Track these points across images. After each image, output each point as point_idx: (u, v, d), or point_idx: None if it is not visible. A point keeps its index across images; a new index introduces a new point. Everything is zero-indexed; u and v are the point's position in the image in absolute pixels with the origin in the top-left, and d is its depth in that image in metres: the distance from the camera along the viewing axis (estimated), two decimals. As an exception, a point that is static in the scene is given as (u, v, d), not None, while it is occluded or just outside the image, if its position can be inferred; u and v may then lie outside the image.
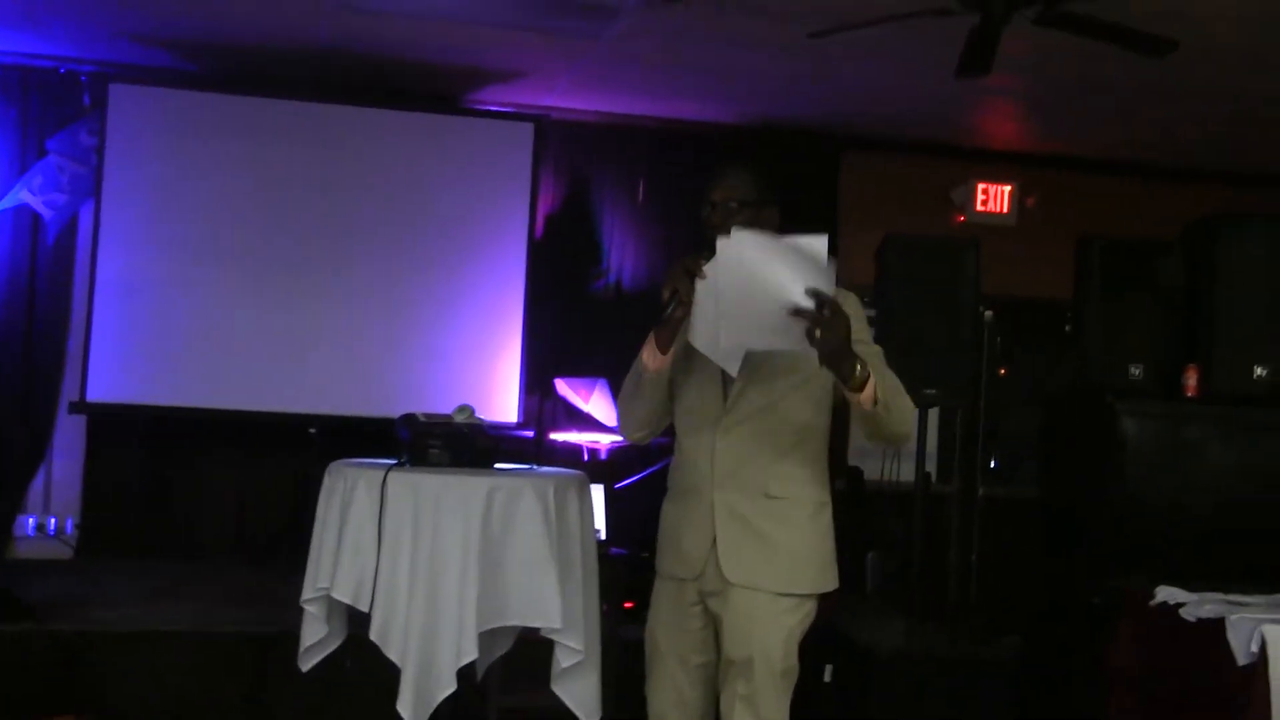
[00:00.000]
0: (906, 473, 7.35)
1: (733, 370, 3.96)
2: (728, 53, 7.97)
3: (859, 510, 8.34)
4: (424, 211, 9.14)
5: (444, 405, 8.48)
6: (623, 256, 9.66)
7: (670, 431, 4.36)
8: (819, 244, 3.64)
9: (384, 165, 9.08)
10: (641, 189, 9.65)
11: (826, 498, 4.22)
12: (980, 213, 9.93)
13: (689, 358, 4.11)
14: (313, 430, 8.72)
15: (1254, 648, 4.92)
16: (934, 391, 6.30)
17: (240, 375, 8.81)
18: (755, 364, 4.04)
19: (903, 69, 7.60)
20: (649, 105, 9.37)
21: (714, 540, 4.14)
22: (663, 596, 4.33)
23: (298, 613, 4.97)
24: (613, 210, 9.67)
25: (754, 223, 3.96)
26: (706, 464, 4.17)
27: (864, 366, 3.75)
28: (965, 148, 9.98)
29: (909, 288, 6.47)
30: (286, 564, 5.95)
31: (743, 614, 4.09)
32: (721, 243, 3.78)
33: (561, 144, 9.53)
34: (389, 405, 8.60)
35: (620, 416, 4.40)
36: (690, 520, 4.21)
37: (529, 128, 9.26)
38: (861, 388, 3.77)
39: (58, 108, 9.00)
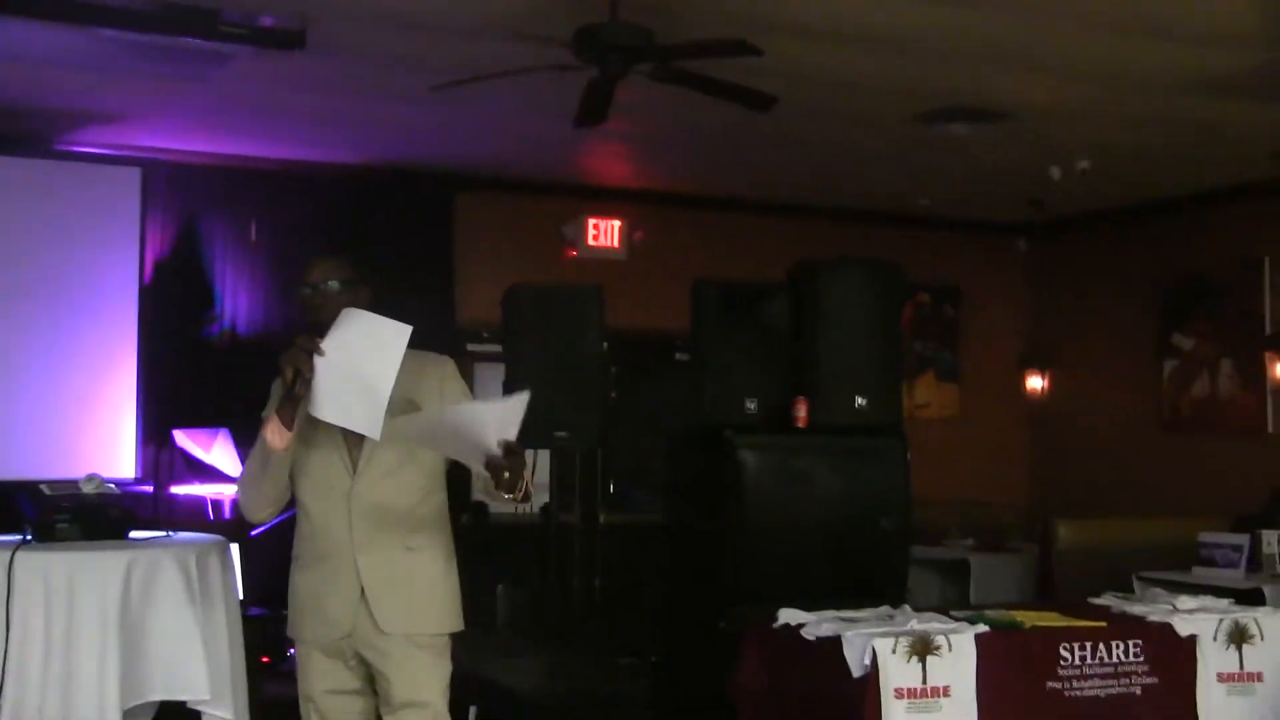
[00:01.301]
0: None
1: (376, 434, 3.96)
2: (342, 98, 7.85)
3: (485, 545, 8.27)
4: (24, 261, 8.62)
5: (58, 464, 8.12)
6: (236, 300, 9.32)
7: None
8: (520, 402, 3.75)
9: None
10: (254, 230, 9.33)
11: (452, 542, 4.30)
12: (592, 247, 9.99)
13: (307, 430, 4.09)
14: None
15: (866, 660, 5.11)
16: (564, 434, 6.28)
17: None
18: (385, 434, 4.02)
19: (517, 114, 7.62)
20: (261, 147, 9.10)
21: (361, 596, 4.10)
22: (312, 663, 4.22)
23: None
24: (225, 253, 9.31)
25: (353, 300, 4.08)
26: (344, 530, 4.13)
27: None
28: (578, 185, 10.05)
29: (535, 336, 6.42)
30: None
31: (407, 660, 4.12)
32: (344, 317, 3.96)
33: (170, 187, 9.16)
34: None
35: (246, 501, 4.27)
36: (333, 584, 4.14)
37: (136, 171, 8.94)
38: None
39: None
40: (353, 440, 4.08)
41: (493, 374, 7.24)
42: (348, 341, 3.94)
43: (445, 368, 4.24)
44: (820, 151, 8.94)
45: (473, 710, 5.92)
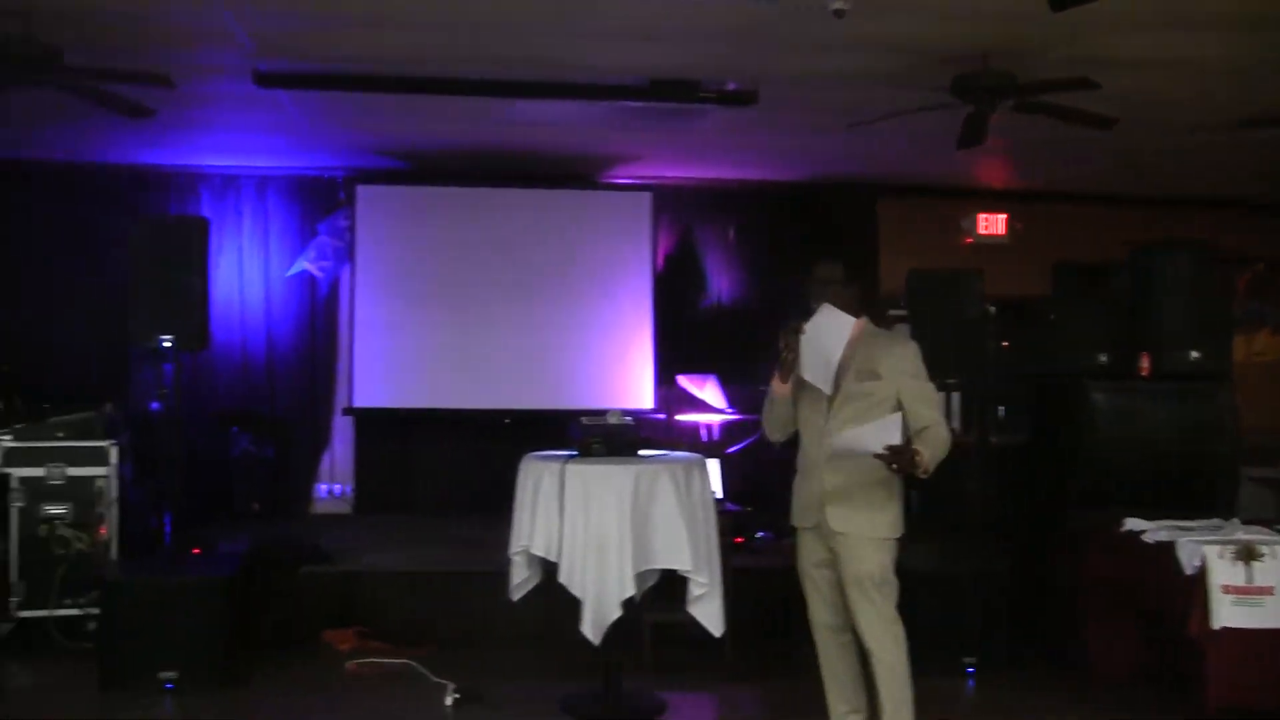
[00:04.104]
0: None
1: (828, 390, 4.36)
2: (786, 134, 7.95)
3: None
4: (574, 258, 9.14)
5: (597, 398, 8.67)
6: (720, 283, 9.64)
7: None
8: (893, 422, 4.15)
9: (542, 227, 9.11)
10: (731, 234, 9.64)
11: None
12: (982, 235, 9.77)
13: (802, 385, 4.44)
14: (507, 420, 8.86)
15: (1196, 562, 4.89)
16: (954, 380, 6.27)
17: (455, 383, 8.94)
18: (847, 392, 4.36)
19: (916, 138, 7.52)
20: (732, 172, 9.35)
21: (822, 502, 4.40)
22: (802, 542, 4.55)
23: (504, 559, 5.13)
24: (711, 249, 9.65)
25: (841, 294, 4.40)
26: (818, 455, 4.41)
27: (923, 464, 4.13)
28: (970, 188, 9.81)
29: (931, 307, 6.43)
30: (493, 519, 6.06)
31: (849, 550, 4.35)
32: (820, 309, 4.35)
33: (672, 204, 9.51)
34: (558, 398, 8.86)
35: (765, 425, 4.65)
36: (809, 489, 4.47)
37: (648, 195, 9.28)
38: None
39: (323, 202, 9.20)
40: (831, 396, 4.38)
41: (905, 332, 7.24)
42: (819, 325, 4.32)
43: (904, 348, 4.43)
44: (1151, 153, 8.35)
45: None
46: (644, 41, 5.95)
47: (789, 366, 4.38)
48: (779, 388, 4.48)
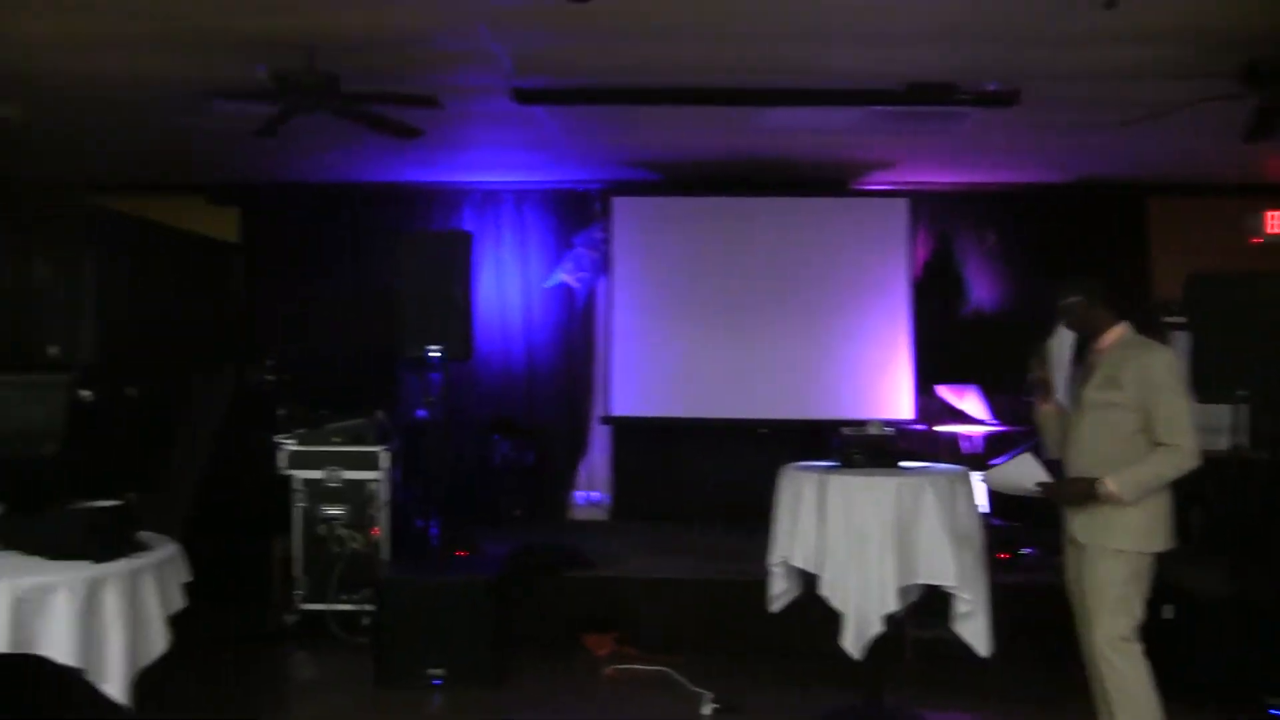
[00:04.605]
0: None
1: (1067, 403, 4.56)
2: (1049, 135, 7.64)
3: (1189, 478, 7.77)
4: (829, 266, 9.04)
5: (854, 408, 8.53)
6: (980, 290, 9.35)
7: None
8: (1024, 459, 4.54)
9: (795, 236, 9.05)
10: (991, 239, 9.33)
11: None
12: (1272, 235, 9.08)
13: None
14: (763, 430, 8.82)
15: None
16: (1245, 393, 5.81)
17: (710, 393, 8.97)
18: (1088, 400, 4.39)
19: (1190, 133, 7.11)
20: (990, 175, 9.06)
21: (1071, 513, 4.40)
22: (1066, 556, 4.55)
23: (756, 566, 5.12)
24: (970, 255, 9.37)
25: (1085, 313, 4.45)
26: (1071, 465, 4.47)
27: (1107, 495, 4.20)
28: (1253, 184, 9.18)
29: (1217, 313, 5.94)
30: (749, 529, 6.05)
31: (1086, 561, 4.33)
32: (1058, 331, 4.56)
33: (929, 209, 9.31)
34: (814, 409, 8.77)
35: (1044, 442, 4.73)
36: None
37: (904, 201, 9.09)
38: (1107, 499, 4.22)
39: (580, 214, 9.41)
40: (1077, 409, 4.43)
41: (1180, 340, 6.80)
42: (1060, 342, 4.55)
43: (1153, 356, 4.27)
44: None
45: (1168, 608, 5.65)
46: (898, 45, 5.83)
47: (1043, 387, 4.57)
48: (1041, 407, 4.62)
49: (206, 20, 5.50)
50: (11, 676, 4.26)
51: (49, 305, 5.84)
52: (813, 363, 8.96)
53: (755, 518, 5.54)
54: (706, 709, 5.39)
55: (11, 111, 6.75)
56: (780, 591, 5.11)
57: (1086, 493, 4.15)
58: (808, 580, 4.98)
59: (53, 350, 5.81)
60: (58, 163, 8.65)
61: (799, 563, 4.89)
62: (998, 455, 8.05)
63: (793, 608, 5.19)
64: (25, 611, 3.67)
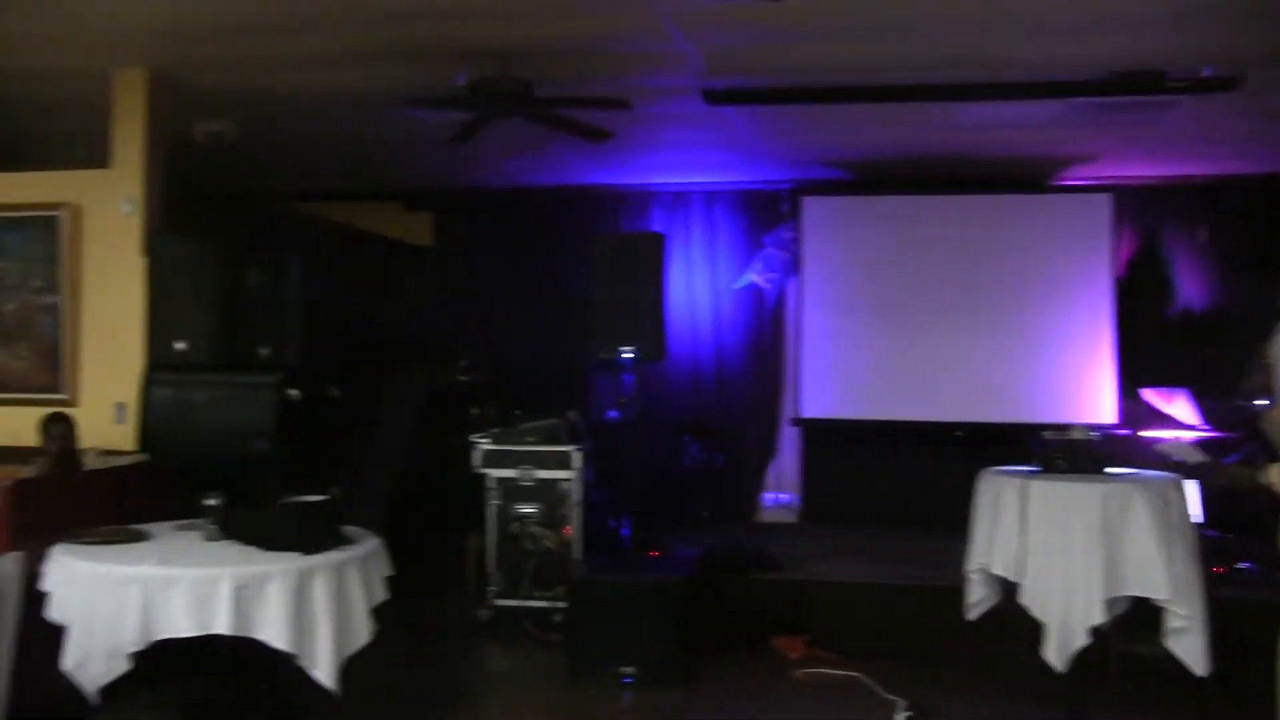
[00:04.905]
0: None
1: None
2: (1272, 121, 7.25)
3: None
4: (1026, 265, 8.80)
5: (1053, 412, 8.27)
6: (1189, 288, 8.92)
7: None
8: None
9: (990, 234, 8.84)
10: (1203, 234, 8.89)
11: None
12: None
13: None
14: (958, 434, 8.63)
15: None
16: None
17: (903, 395, 8.84)
18: None
19: None
20: (1204, 166, 8.66)
21: None
22: None
23: (951, 572, 4.99)
24: (1179, 252, 8.95)
25: None
26: None
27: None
28: None
29: None
30: (942, 534, 5.91)
31: None
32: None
33: (1133, 205, 8.94)
34: (1011, 412, 8.54)
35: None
36: None
37: (1106, 196, 8.77)
38: None
39: (769, 215, 9.39)
40: None
41: None
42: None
43: None
44: None
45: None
46: (1102, 32, 5.61)
47: (1263, 392, 4.26)
48: (1271, 411, 4.30)
49: (406, 34, 5.70)
50: (229, 664, 4.49)
51: (260, 309, 6.12)
52: (1008, 365, 8.74)
53: (948, 522, 5.43)
54: (900, 717, 5.29)
55: (226, 127, 7.12)
56: (978, 599, 4.99)
57: (1240, 476, 3.93)
58: (1007, 588, 4.84)
59: (263, 351, 6.09)
60: (266, 174, 9.09)
61: (998, 570, 4.76)
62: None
63: (990, 616, 5.05)
64: (244, 598, 3.87)
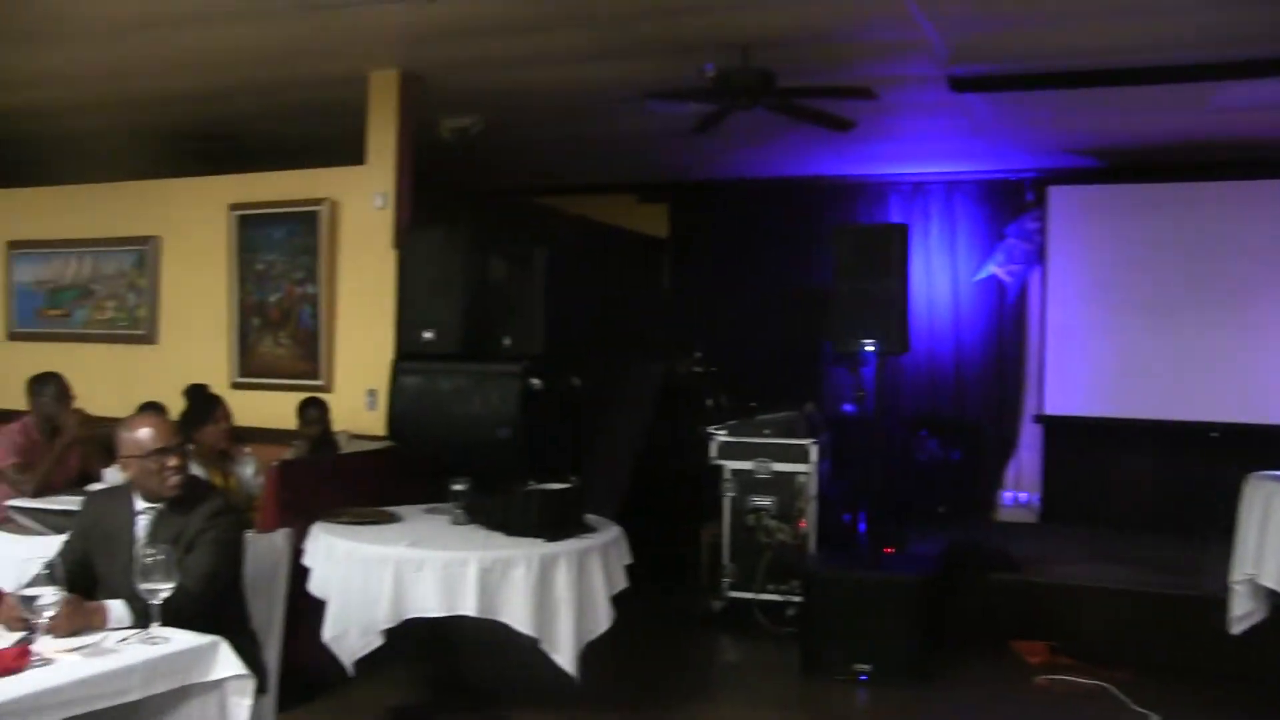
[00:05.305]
0: None
1: None
2: None
3: None
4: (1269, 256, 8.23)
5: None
6: None
7: None
8: None
9: (1257, 224, 8.28)
10: None
11: None
12: None
13: None
14: (1214, 434, 8.15)
15: None
16: None
17: (1155, 392, 8.42)
18: None
19: None
20: None
21: None
22: None
23: (1207, 581, 4.72)
24: None
25: None
26: None
27: None
28: None
29: None
30: (1195, 540, 5.60)
31: None
32: None
33: None
34: (1275, 414, 7.97)
35: None
36: None
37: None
38: None
39: (1011, 204, 9.10)
40: None
41: None
42: None
43: None
44: None
45: None
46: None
47: None
48: None
49: (646, 28, 5.76)
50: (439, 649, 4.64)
51: (503, 300, 6.29)
52: (1273, 361, 8.19)
53: (1203, 528, 5.12)
54: (1154, 732, 5.04)
55: (471, 123, 7.37)
56: (1244, 612, 4.70)
57: None
58: (1276, 602, 4.54)
59: (506, 341, 6.25)
60: (507, 169, 9.37)
61: (1268, 582, 4.47)
62: None
63: (1257, 630, 4.75)
64: (489, 581, 4.00)
